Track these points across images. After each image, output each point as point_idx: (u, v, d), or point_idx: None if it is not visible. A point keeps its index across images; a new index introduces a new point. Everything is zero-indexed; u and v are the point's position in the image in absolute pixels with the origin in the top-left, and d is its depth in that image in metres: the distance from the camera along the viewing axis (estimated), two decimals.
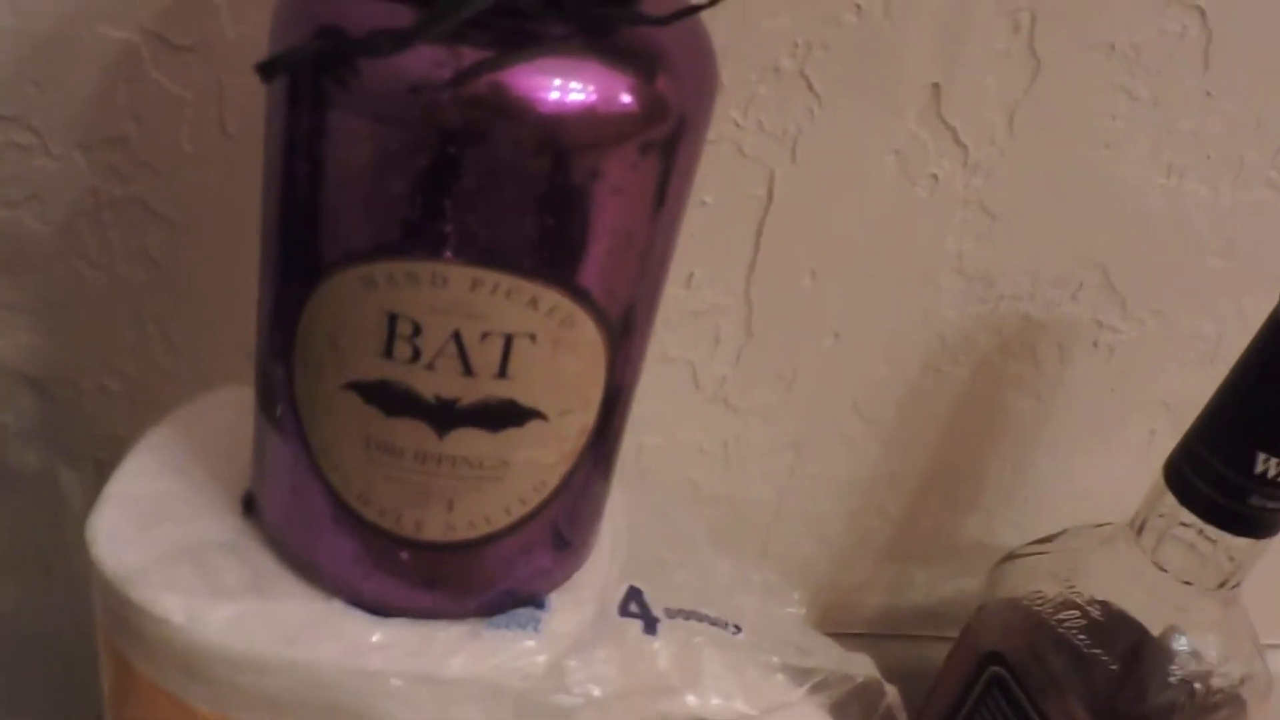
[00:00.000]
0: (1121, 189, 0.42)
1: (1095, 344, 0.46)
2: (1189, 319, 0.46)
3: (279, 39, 0.24)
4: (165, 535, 0.29)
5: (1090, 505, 0.47)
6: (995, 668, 0.45)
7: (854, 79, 0.38)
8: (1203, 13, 0.39)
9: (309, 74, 0.23)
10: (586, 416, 0.27)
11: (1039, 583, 0.44)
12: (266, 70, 0.22)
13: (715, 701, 0.31)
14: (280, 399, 0.27)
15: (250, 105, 0.35)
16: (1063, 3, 0.38)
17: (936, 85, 0.38)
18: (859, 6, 0.37)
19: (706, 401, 0.45)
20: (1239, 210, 0.43)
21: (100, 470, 0.37)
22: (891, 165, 0.40)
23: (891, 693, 0.35)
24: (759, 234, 0.41)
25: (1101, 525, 0.45)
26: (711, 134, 0.37)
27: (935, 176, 0.40)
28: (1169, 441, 0.39)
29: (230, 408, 0.33)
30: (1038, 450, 0.49)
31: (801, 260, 0.42)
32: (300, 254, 0.25)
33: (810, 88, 0.38)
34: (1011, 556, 0.46)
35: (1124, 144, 0.41)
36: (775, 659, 0.32)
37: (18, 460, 0.35)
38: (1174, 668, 0.42)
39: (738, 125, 0.38)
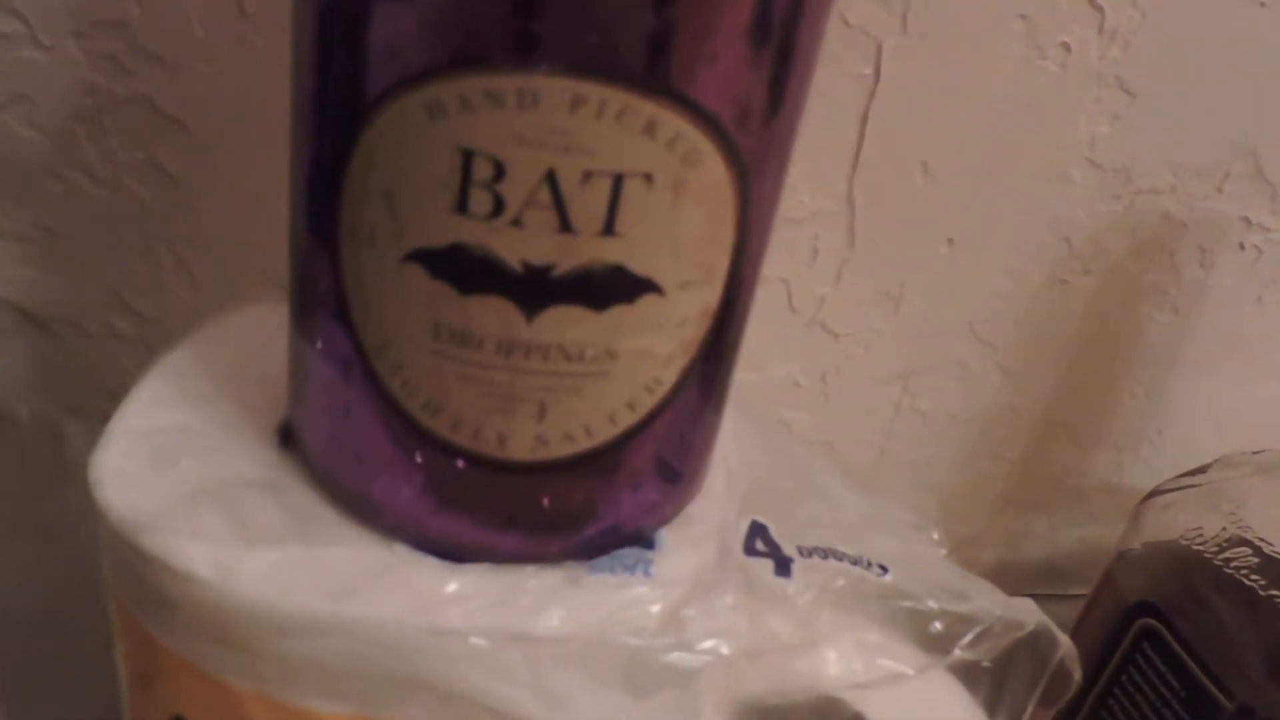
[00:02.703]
0: (1273, 58, 0.36)
1: (1242, 245, 0.40)
2: None
3: None
4: (186, 474, 0.24)
5: (1234, 435, 0.42)
6: (1146, 619, 0.39)
7: None
8: None
9: None
10: (710, 293, 0.21)
11: (1196, 519, 0.38)
12: None
13: (860, 661, 0.25)
14: (323, 291, 0.22)
15: None
16: None
17: None
18: None
19: (803, 327, 0.39)
20: None
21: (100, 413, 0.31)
22: (1018, 32, 0.34)
23: (1066, 644, 0.29)
24: (863, 122, 0.35)
25: (1260, 452, 0.39)
26: None
27: (1067, 46, 0.35)
28: None
29: (259, 327, 0.27)
30: (1175, 373, 0.43)
31: (912, 153, 0.36)
32: (344, 82, 0.19)
33: None
34: (1157, 492, 0.40)
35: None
36: (932, 603, 0.27)
37: (12, 414, 0.30)
38: None
39: (877, 57, 0.33)
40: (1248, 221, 0.40)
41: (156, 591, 0.23)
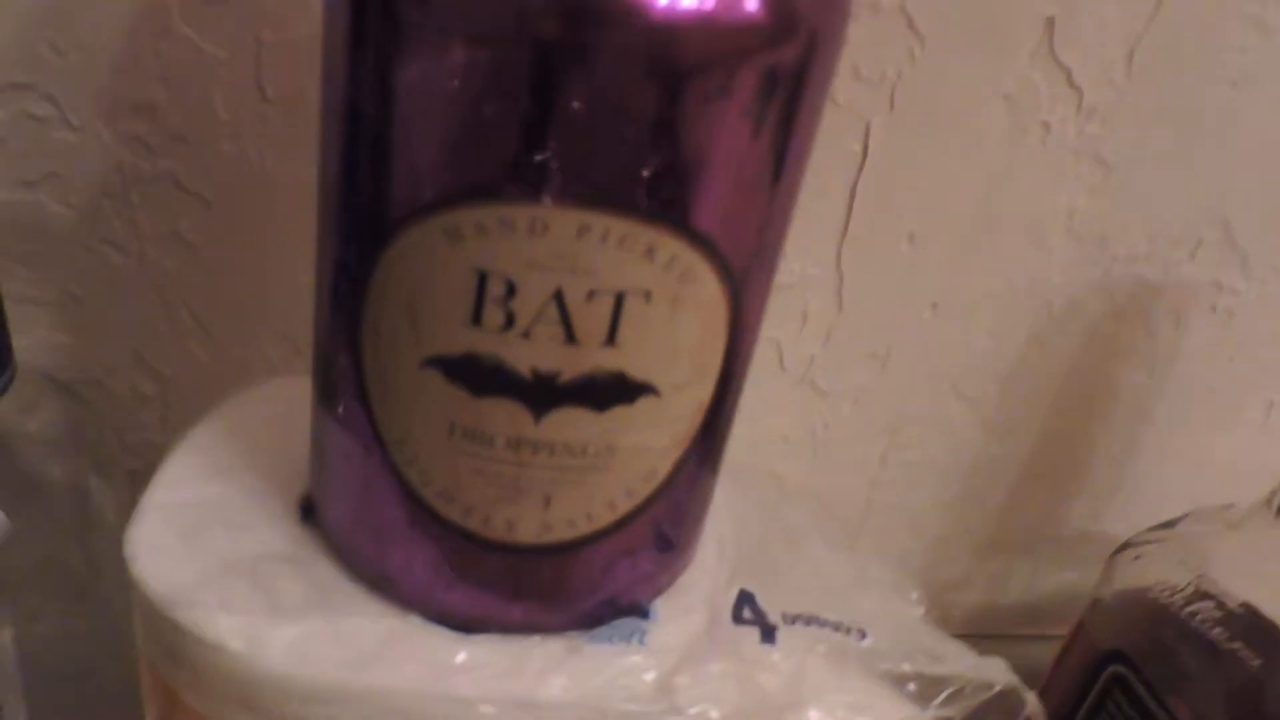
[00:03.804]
0: (1249, 132, 0.38)
1: (1214, 308, 0.42)
2: None
3: None
4: (215, 548, 0.25)
5: (1206, 487, 0.43)
6: (1116, 666, 0.40)
7: (960, 15, 0.34)
8: None
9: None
10: (703, 391, 0.23)
11: (1165, 572, 0.40)
12: None
13: (830, 714, 0.27)
14: (346, 383, 0.23)
15: (292, 64, 0.31)
16: None
17: (1051, 20, 0.34)
18: None
19: (793, 384, 0.41)
20: None
21: (135, 481, 0.33)
22: (1000, 112, 0.36)
23: (1032, 701, 0.30)
24: (852, 195, 0.37)
25: (1228, 507, 0.41)
26: None
27: (1047, 124, 0.36)
28: None
29: (281, 400, 0.29)
30: (1150, 427, 0.45)
31: (898, 223, 0.38)
32: (369, 206, 0.21)
33: (911, 26, 0.34)
34: (1129, 545, 0.42)
35: (1253, 81, 0.37)
36: (907, 666, 0.28)
37: (43, 473, 0.31)
38: None
39: (867, 131, 0.34)
40: (1219, 286, 0.41)
41: (188, 659, 0.25)
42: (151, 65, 0.31)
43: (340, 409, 0.24)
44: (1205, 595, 0.39)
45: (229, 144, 0.32)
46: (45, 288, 0.34)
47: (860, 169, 0.36)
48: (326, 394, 0.24)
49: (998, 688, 0.29)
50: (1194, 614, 0.39)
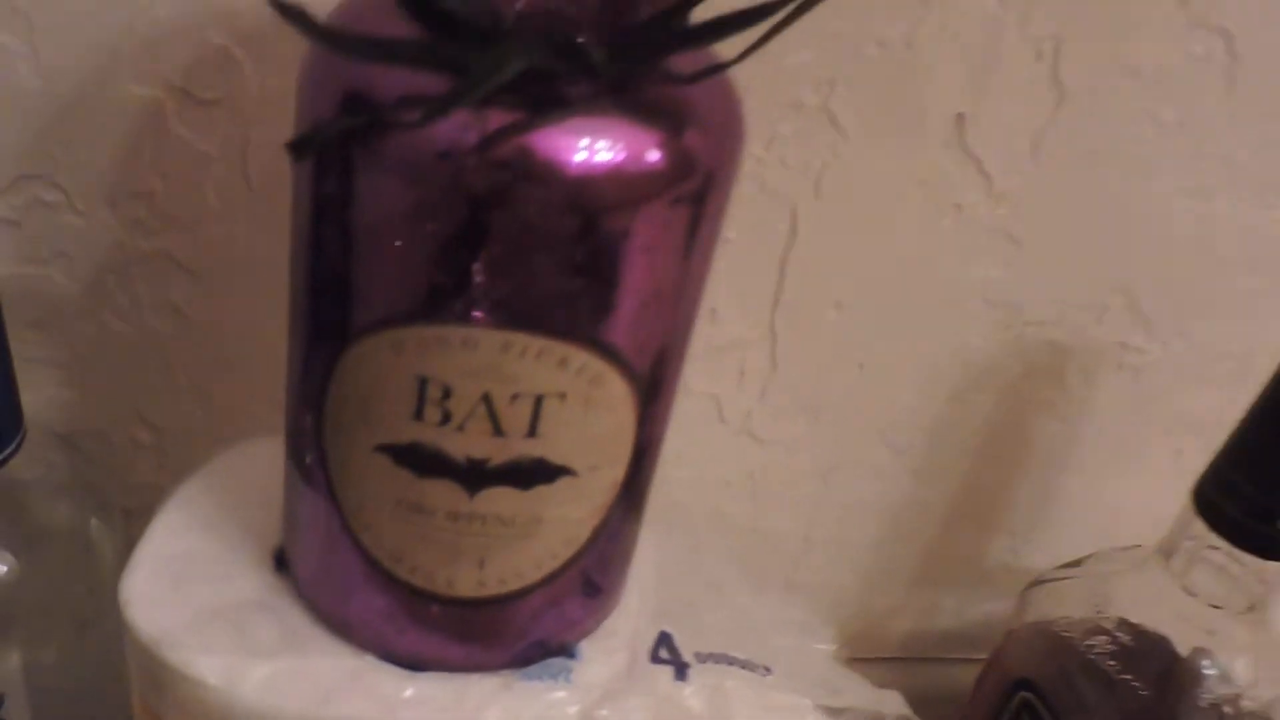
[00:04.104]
0: (1148, 212, 0.42)
1: (1120, 366, 0.46)
2: (1215, 339, 0.45)
3: (306, 104, 0.24)
4: (198, 595, 0.29)
5: (1118, 527, 0.47)
6: (1025, 693, 0.44)
7: (878, 112, 0.38)
8: (1228, 36, 0.38)
9: (339, 139, 0.23)
10: (616, 471, 0.27)
11: (1067, 608, 0.44)
12: (297, 149, 0.22)
13: None
14: (312, 462, 0.27)
15: (274, 158, 0.35)
16: (1087, 30, 0.37)
17: (961, 115, 0.38)
18: (881, 41, 0.36)
19: (732, 435, 0.44)
20: (1268, 231, 0.43)
21: (130, 519, 0.37)
22: (916, 197, 0.40)
23: None
24: (782, 268, 0.41)
25: (1130, 548, 0.45)
26: None
27: (959, 206, 0.40)
28: (1196, 462, 0.39)
29: (260, 460, 0.33)
30: (1065, 473, 0.48)
31: (826, 293, 0.41)
32: (329, 319, 0.25)
33: (834, 122, 0.38)
34: (1039, 581, 0.46)
35: (1150, 168, 0.41)
36: (807, 700, 0.32)
37: (49, 516, 0.35)
38: (1203, 692, 0.41)
39: (760, 161, 0.38)
40: (1125, 346, 0.45)
41: (173, 693, 0.28)
42: (150, 159, 0.35)
43: (307, 482, 0.28)
44: (1101, 630, 0.43)
45: (217, 226, 0.36)
46: (54, 350, 0.37)
47: (789, 246, 0.40)
48: (297, 465, 0.28)
49: (889, 718, 0.33)
50: (1091, 646, 0.43)
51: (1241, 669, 0.42)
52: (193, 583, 0.30)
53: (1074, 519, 0.50)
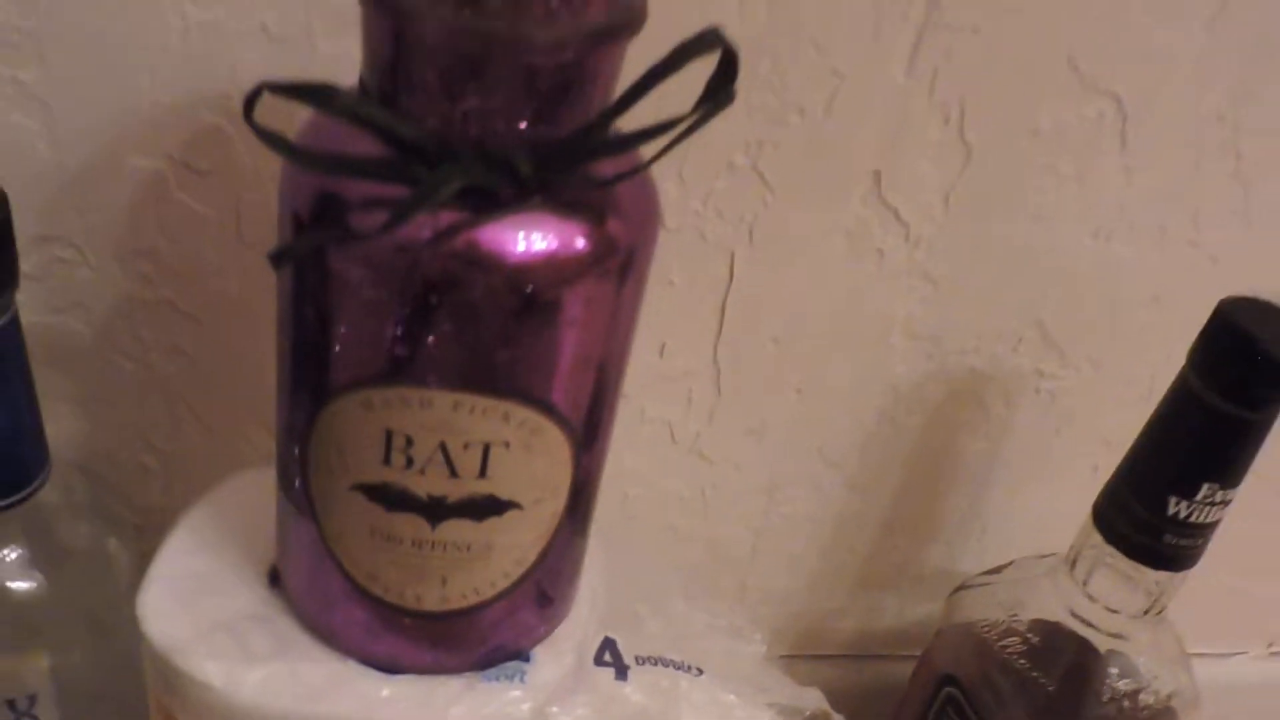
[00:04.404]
0: (1053, 254, 0.46)
1: (1037, 391, 0.50)
2: (1123, 365, 0.50)
3: (287, 200, 0.29)
4: (203, 609, 0.34)
5: (1041, 536, 0.51)
6: (950, 688, 0.49)
7: (802, 171, 0.42)
8: (1119, 99, 0.43)
9: (312, 237, 0.27)
10: (557, 503, 0.32)
11: (987, 611, 0.49)
12: (276, 260, 0.26)
13: None
14: (298, 497, 0.32)
15: (264, 219, 0.39)
16: (990, 95, 0.42)
17: (878, 172, 0.43)
18: (803, 109, 0.41)
19: (683, 454, 0.49)
20: (1163, 268, 0.47)
21: (141, 535, 0.42)
22: (841, 244, 0.44)
23: None
24: (723, 308, 0.45)
25: (1045, 557, 0.50)
26: (674, 223, 0.42)
27: (881, 251, 0.45)
28: (1109, 477, 0.44)
29: (255, 490, 0.37)
30: (991, 488, 0.53)
31: (763, 329, 0.46)
32: (310, 381, 0.30)
33: (763, 180, 0.42)
34: (964, 586, 0.51)
35: (1053, 216, 0.45)
36: (733, 696, 0.37)
37: (71, 536, 0.40)
38: (1106, 687, 0.46)
39: (699, 214, 0.43)
40: (1041, 373, 0.50)
41: (182, 693, 0.33)
42: (154, 221, 0.39)
43: (295, 513, 0.33)
44: (1014, 631, 0.48)
45: (215, 278, 0.41)
46: (71, 388, 0.42)
47: (728, 289, 0.45)
48: (286, 500, 0.33)
49: (808, 712, 0.38)
50: (1005, 646, 0.48)
51: (1141, 665, 0.47)
52: (198, 597, 0.34)
53: (1001, 529, 0.54)
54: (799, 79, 0.40)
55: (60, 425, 0.42)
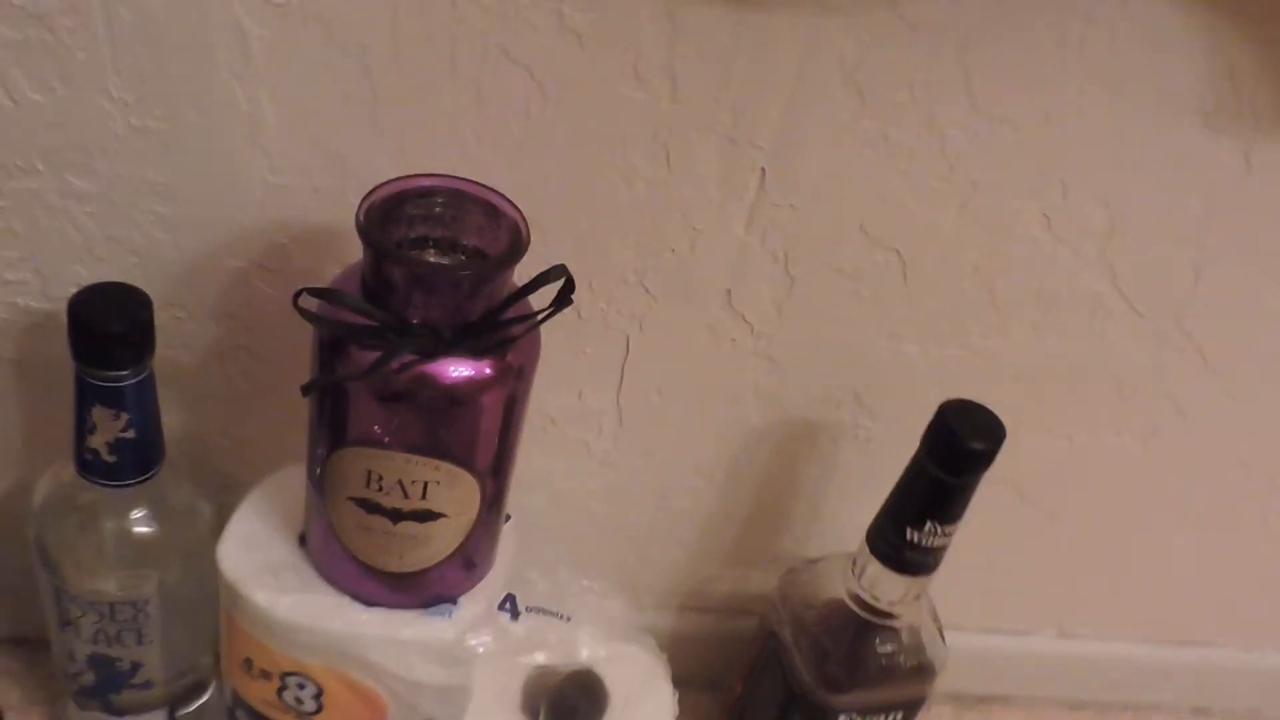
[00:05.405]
0: (857, 347, 0.66)
1: (855, 436, 0.70)
2: (913, 422, 0.69)
3: (316, 342, 0.49)
4: (257, 556, 0.56)
5: (857, 536, 0.71)
6: (772, 642, 0.70)
7: (675, 287, 0.62)
8: (898, 251, 0.62)
9: (326, 365, 0.48)
10: (471, 515, 0.53)
11: (801, 590, 0.69)
12: (305, 391, 0.47)
13: (549, 657, 0.57)
14: (316, 500, 0.53)
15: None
16: (805, 246, 0.61)
17: (729, 290, 0.63)
18: (674, 249, 0.61)
19: (597, 465, 0.70)
20: (938, 362, 0.67)
21: (221, 497, 0.63)
22: (704, 334, 0.64)
23: (663, 660, 0.60)
24: (622, 370, 0.65)
25: (848, 553, 0.70)
26: (588, 315, 0.62)
27: (734, 340, 0.65)
28: None
29: (295, 480, 0.58)
30: (824, 499, 0.73)
31: (650, 384, 0.66)
32: (326, 439, 0.51)
33: (647, 291, 0.62)
34: (791, 570, 0.71)
35: (858, 322, 0.65)
36: (587, 635, 0.58)
37: (175, 496, 0.61)
38: (874, 651, 0.66)
39: (604, 311, 0.63)
40: (856, 424, 0.69)
41: (241, 609, 0.55)
42: (239, 298, 0.60)
43: (316, 507, 0.54)
44: (813, 606, 0.68)
45: (275, 332, 0.61)
46: (177, 396, 0.63)
47: (625, 358, 0.65)
48: (312, 496, 0.54)
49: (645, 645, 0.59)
50: (807, 617, 0.68)
51: (903, 636, 0.67)
52: (254, 548, 0.56)
53: (831, 528, 0.75)
54: (670, 232, 0.60)
55: (170, 422, 0.63)
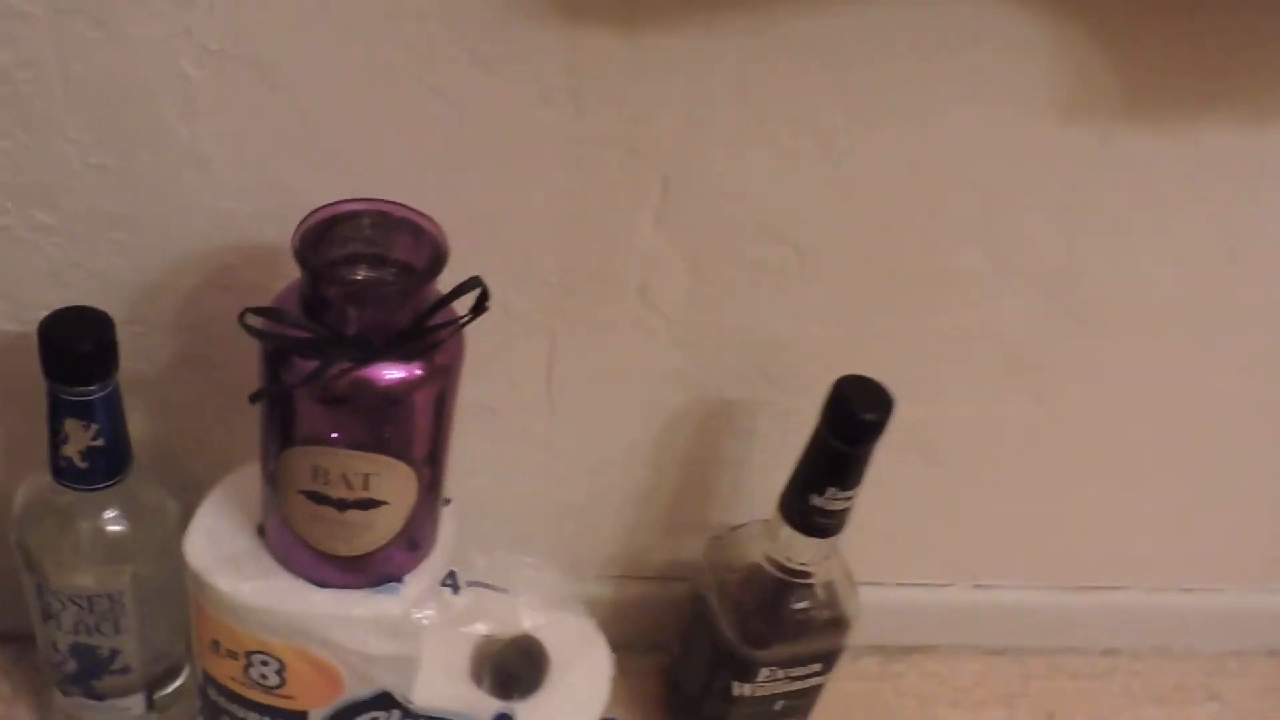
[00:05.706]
0: (763, 330, 0.72)
1: (771, 413, 0.76)
2: (817, 398, 0.76)
3: (263, 354, 0.55)
4: (221, 548, 0.61)
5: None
6: (699, 604, 0.77)
7: (594, 284, 0.68)
8: (795, 244, 0.68)
9: (272, 375, 0.54)
10: (410, 501, 0.59)
11: (724, 554, 0.76)
12: (254, 399, 0.53)
13: (491, 627, 0.63)
14: (269, 492, 0.59)
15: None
16: (708, 244, 0.67)
17: (644, 286, 0.69)
18: (590, 252, 0.67)
19: (534, 447, 0.76)
20: (837, 342, 0.73)
21: (186, 495, 0.69)
22: (624, 327, 0.70)
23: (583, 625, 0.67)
24: (549, 362, 0.71)
25: (765, 520, 0.76)
26: (515, 313, 0.68)
27: (652, 331, 0.71)
28: None
29: (252, 478, 0.64)
30: (747, 469, 0.79)
31: (579, 374, 0.72)
32: (277, 439, 0.57)
33: (569, 290, 0.68)
34: (715, 537, 0.78)
35: (761, 308, 0.71)
36: (523, 606, 0.64)
37: (145, 496, 0.66)
38: (789, 608, 0.73)
39: (530, 309, 0.69)
40: (770, 402, 0.75)
41: (207, 595, 0.61)
42: (199, 313, 0.66)
43: (271, 498, 0.60)
44: (734, 569, 0.75)
45: (232, 343, 0.67)
46: (142, 403, 0.69)
47: (553, 356, 0.71)
48: (267, 492, 0.60)
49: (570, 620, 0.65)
50: (729, 579, 0.75)
51: (818, 593, 0.74)
52: (217, 542, 0.62)
53: (754, 497, 0.81)
54: (586, 236, 0.66)
55: (137, 428, 0.69)
